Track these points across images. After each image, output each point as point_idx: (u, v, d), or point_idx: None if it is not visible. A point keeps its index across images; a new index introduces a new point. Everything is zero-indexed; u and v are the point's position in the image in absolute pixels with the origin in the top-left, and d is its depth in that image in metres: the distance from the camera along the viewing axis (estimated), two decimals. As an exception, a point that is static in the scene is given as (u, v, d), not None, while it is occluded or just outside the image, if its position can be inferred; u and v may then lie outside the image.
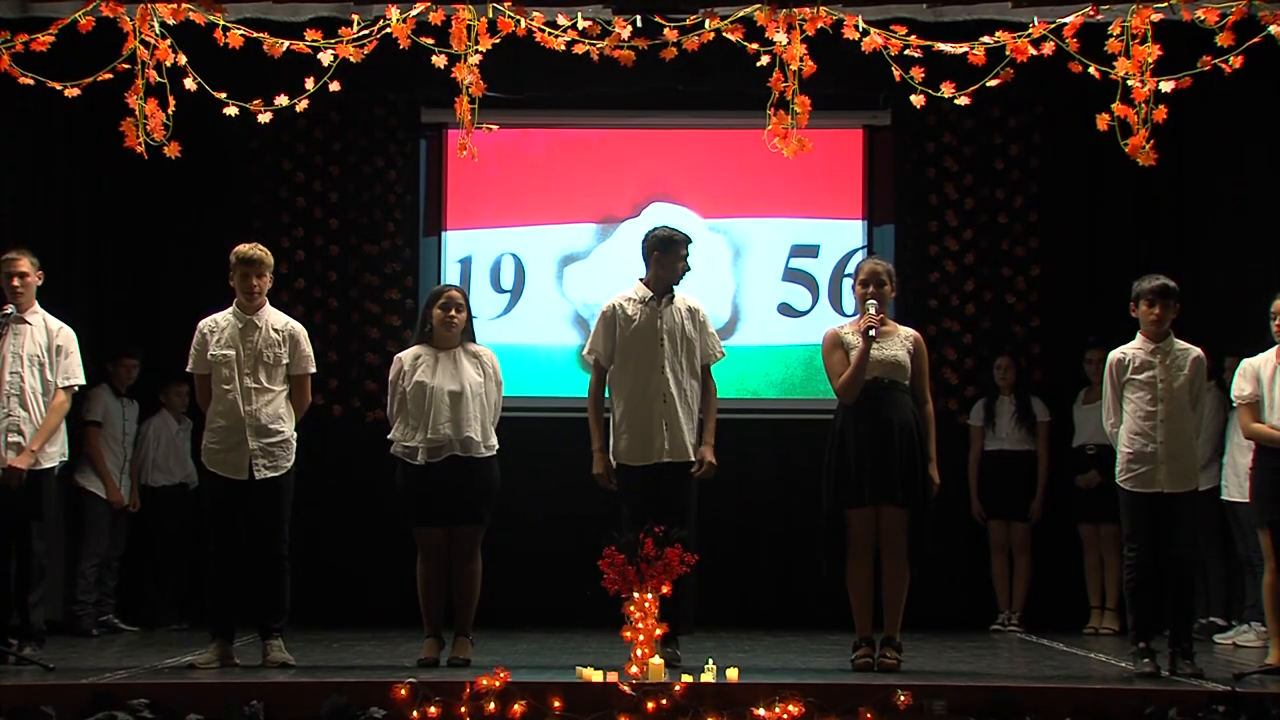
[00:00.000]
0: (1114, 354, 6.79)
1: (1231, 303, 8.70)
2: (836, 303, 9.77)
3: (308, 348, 7.02)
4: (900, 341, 6.93)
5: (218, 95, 6.56)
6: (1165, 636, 6.67)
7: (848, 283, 9.57)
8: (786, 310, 9.83)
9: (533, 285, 9.81)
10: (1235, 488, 8.06)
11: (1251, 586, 8.04)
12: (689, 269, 7.09)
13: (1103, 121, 6.24)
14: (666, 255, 7.05)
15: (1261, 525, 6.99)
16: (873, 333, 6.70)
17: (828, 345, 6.99)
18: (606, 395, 7.08)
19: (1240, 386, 7.04)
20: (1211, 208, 9.36)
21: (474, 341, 7.16)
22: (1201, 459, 7.31)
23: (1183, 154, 9.08)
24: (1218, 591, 8.67)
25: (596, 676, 5.83)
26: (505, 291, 9.81)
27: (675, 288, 7.09)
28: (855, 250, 9.77)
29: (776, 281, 9.85)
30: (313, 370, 7.06)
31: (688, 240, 7.11)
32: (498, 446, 7.07)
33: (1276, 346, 6.96)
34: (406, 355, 7.11)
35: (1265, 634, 7.44)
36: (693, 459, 6.95)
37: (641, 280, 7.11)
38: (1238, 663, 7.20)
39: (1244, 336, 7.48)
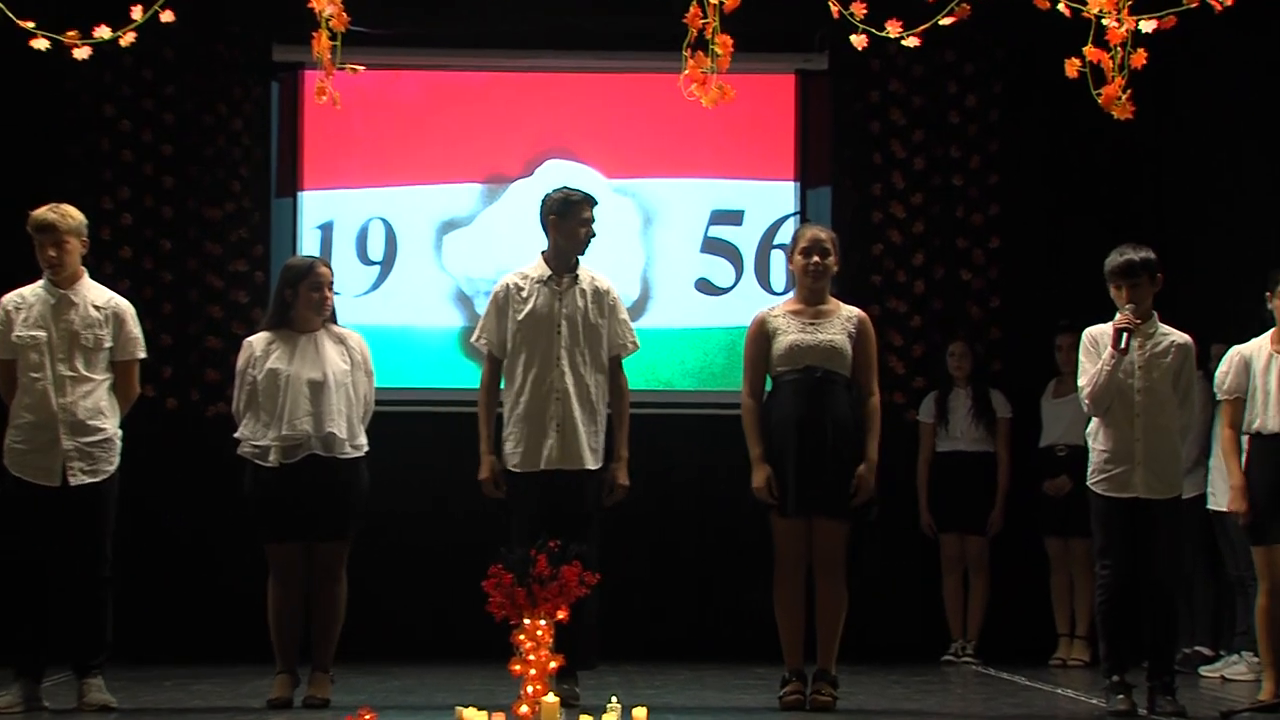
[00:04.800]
0: (1091, 330, 6.88)
1: (1223, 280, 8.84)
2: (764, 278, 9.81)
3: (135, 329, 6.95)
4: (840, 323, 6.96)
5: (23, 25, 6.43)
6: (1143, 669, 6.76)
7: (777, 255, 9.64)
8: (705, 287, 9.85)
9: (406, 256, 9.76)
10: (1224, 496, 8.15)
11: (1242, 611, 8.17)
12: (593, 234, 7.09)
13: (1072, 68, 6.28)
14: (566, 220, 7.05)
15: (1254, 540, 7.10)
16: (1125, 339, 6.67)
17: (752, 332, 7.02)
18: (503, 388, 7.08)
19: (1222, 378, 7.14)
20: (1199, 169, 9.50)
21: (337, 323, 7.13)
22: (1186, 462, 7.43)
23: (1166, 105, 9.20)
24: (1204, 616, 8.81)
25: (480, 718, 5.80)
26: (374, 263, 9.76)
27: (583, 264, 7.08)
28: (786, 217, 9.81)
29: (694, 253, 9.87)
30: (142, 356, 6.98)
31: (590, 200, 7.11)
32: (367, 447, 7.05)
33: (1272, 331, 7.08)
34: (257, 339, 7.06)
35: (1257, 665, 7.57)
36: (589, 467, 6.95)
37: (542, 254, 7.11)
38: (1226, 699, 7.32)
39: (1236, 321, 7.59)
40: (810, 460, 6.77)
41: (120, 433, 6.90)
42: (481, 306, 8.04)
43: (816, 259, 6.97)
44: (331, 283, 7.04)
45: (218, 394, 9.25)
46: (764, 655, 7.59)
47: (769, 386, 7.06)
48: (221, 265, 9.66)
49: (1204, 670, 8.50)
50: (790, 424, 6.83)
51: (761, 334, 7.00)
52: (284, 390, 6.89)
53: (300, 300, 6.99)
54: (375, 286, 9.75)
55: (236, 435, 7.01)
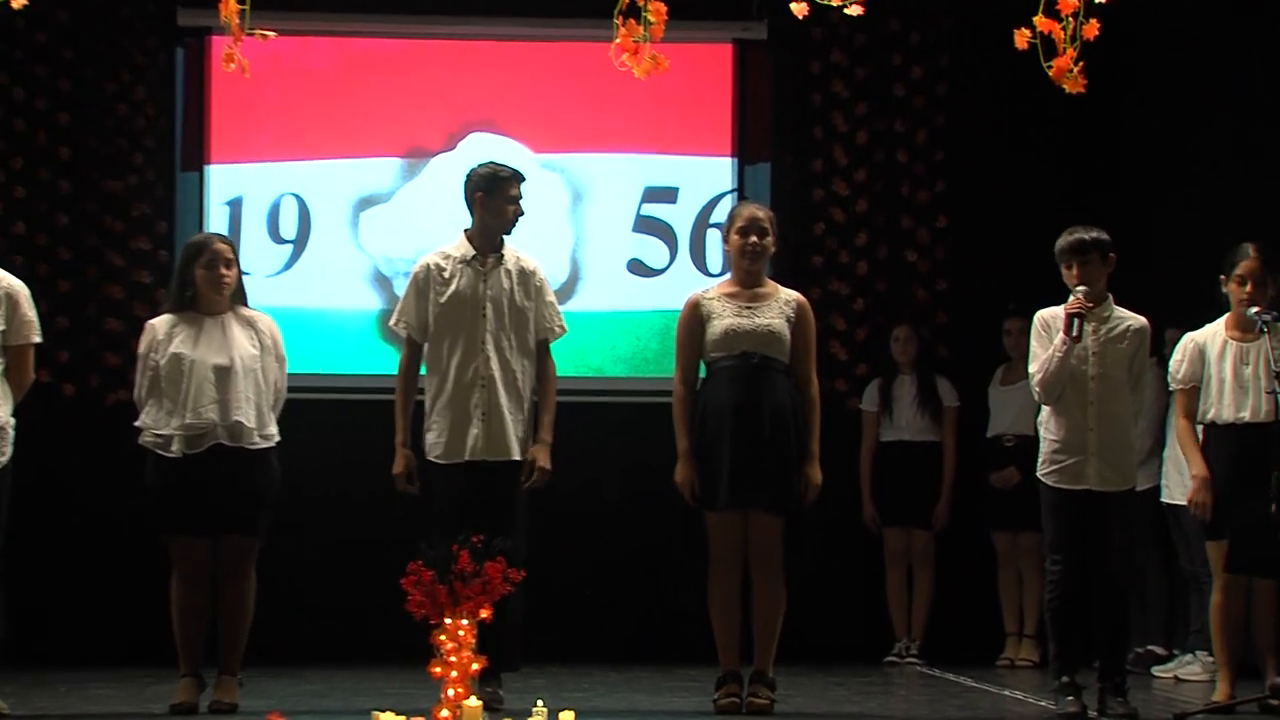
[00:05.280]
0: (1042, 313, 6.90)
1: (1178, 262, 8.91)
2: (699, 259, 9.82)
3: (30, 311, 6.88)
4: (778, 307, 6.98)
5: (-98, -17, 6.35)
6: (1094, 669, 6.81)
7: (713, 234, 9.64)
8: (638, 268, 9.85)
9: (321, 234, 9.71)
10: (1179, 488, 8.24)
11: (1197, 608, 8.25)
12: (521, 212, 7.07)
13: (1022, 39, 6.31)
14: (493, 197, 7.03)
15: (1210, 535, 7.17)
16: (1077, 324, 6.68)
17: (685, 316, 7.02)
18: (424, 374, 7.06)
19: (1177, 366, 7.20)
20: (1155, 146, 9.57)
21: (246, 305, 7.08)
22: (1140, 452, 7.49)
23: (1120, 79, 9.25)
24: (1157, 614, 8.89)
25: (398, 724, 5.79)
26: (286, 242, 9.70)
27: (508, 244, 7.07)
28: (723, 195, 9.82)
29: (626, 232, 9.87)
30: (36, 339, 6.92)
31: (518, 176, 7.09)
32: (278, 436, 7.01)
33: (1226, 316, 7.14)
34: (160, 322, 7.00)
35: (1212, 665, 7.65)
36: (517, 457, 6.95)
37: (466, 233, 7.08)
38: (1179, 700, 7.40)
39: (1193, 305, 7.65)
40: (746, 451, 6.78)
41: (13, 421, 6.82)
42: (401, 288, 7.99)
43: (754, 239, 6.97)
44: (231, 260, 6.97)
45: (118, 380, 9.17)
46: (698, 656, 7.60)
47: (703, 373, 7.06)
48: (123, 242, 9.57)
49: (1157, 670, 8.58)
50: (725, 413, 6.84)
51: (695, 318, 7.00)
52: (188, 376, 6.84)
53: (199, 279, 6.94)
54: (287, 266, 9.69)
55: (138, 424, 6.95)
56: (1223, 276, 7.10)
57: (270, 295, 9.12)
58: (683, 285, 8.89)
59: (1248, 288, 6.99)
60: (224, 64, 6.26)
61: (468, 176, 7.13)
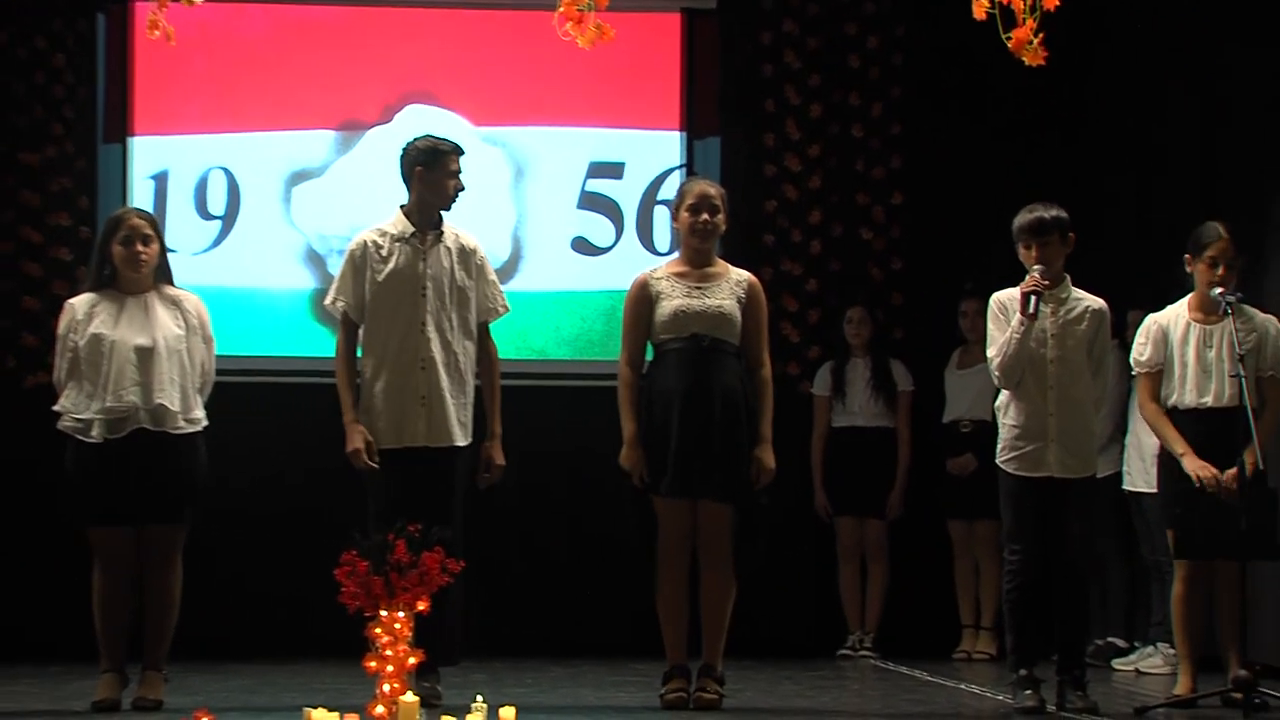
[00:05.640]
0: (998, 295, 6.92)
1: (1141, 241, 8.97)
2: (646, 237, 9.82)
3: (-57, 289, 6.83)
4: (729, 287, 6.98)
5: None
6: (1053, 662, 6.86)
7: (661, 211, 9.65)
8: (583, 246, 9.85)
9: (251, 210, 9.67)
10: (1140, 475, 8.31)
11: (1159, 599, 8.31)
12: (462, 187, 7.06)
13: (980, 8, 6.34)
14: (432, 171, 7.01)
15: (1172, 523, 7.22)
16: (1034, 303, 6.69)
17: (632, 296, 7.02)
18: (360, 356, 7.05)
19: (1140, 349, 7.23)
20: (1117, 121, 9.62)
21: (172, 284, 7.05)
22: (1100, 438, 7.53)
23: (1082, 51, 9.30)
24: (1118, 605, 8.95)
25: (331, 720, 5.79)
26: (214, 218, 9.66)
27: (448, 221, 7.05)
28: (671, 170, 9.83)
29: (570, 209, 9.86)
30: (-50, 319, 6.86)
31: (458, 150, 7.07)
32: (205, 421, 6.99)
33: (1188, 297, 7.18)
34: (80, 301, 6.97)
35: (1174, 658, 7.71)
36: (459, 442, 6.94)
37: (403, 209, 7.07)
38: (1140, 694, 7.45)
39: (1155, 286, 7.69)
40: (695, 437, 6.79)
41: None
42: (335, 266, 7.99)
43: (705, 217, 6.97)
44: (150, 236, 6.92)
45: (37, 361, 9.10)
46: (644, 650, 7.62)
47: (650, 356, 7.07)
48: (41, 217, 9.50)
49: (1117, 663, 8.64)
50: (674, 397, 6.84)
51: (643, 298, 7.00)
52: (108, 358, 6.81)
53: (117, 256, 6.90)
54: (215, 244, 9.65)
55: (57, 408, 6.91)
56: (1188, 256, 7.11)
57: (197, 274, 9.09)
58: (629, 264, 8.90)
59: (1219, 270, 7.02)
60: (148, 31, 6.22)
61: (405, 150, 7.10)
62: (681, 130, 9.90)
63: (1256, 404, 6.90)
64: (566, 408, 9.61)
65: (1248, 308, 7.07)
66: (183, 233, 9.38)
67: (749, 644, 7.94)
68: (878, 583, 9.43)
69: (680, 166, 9.82)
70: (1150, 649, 8.51)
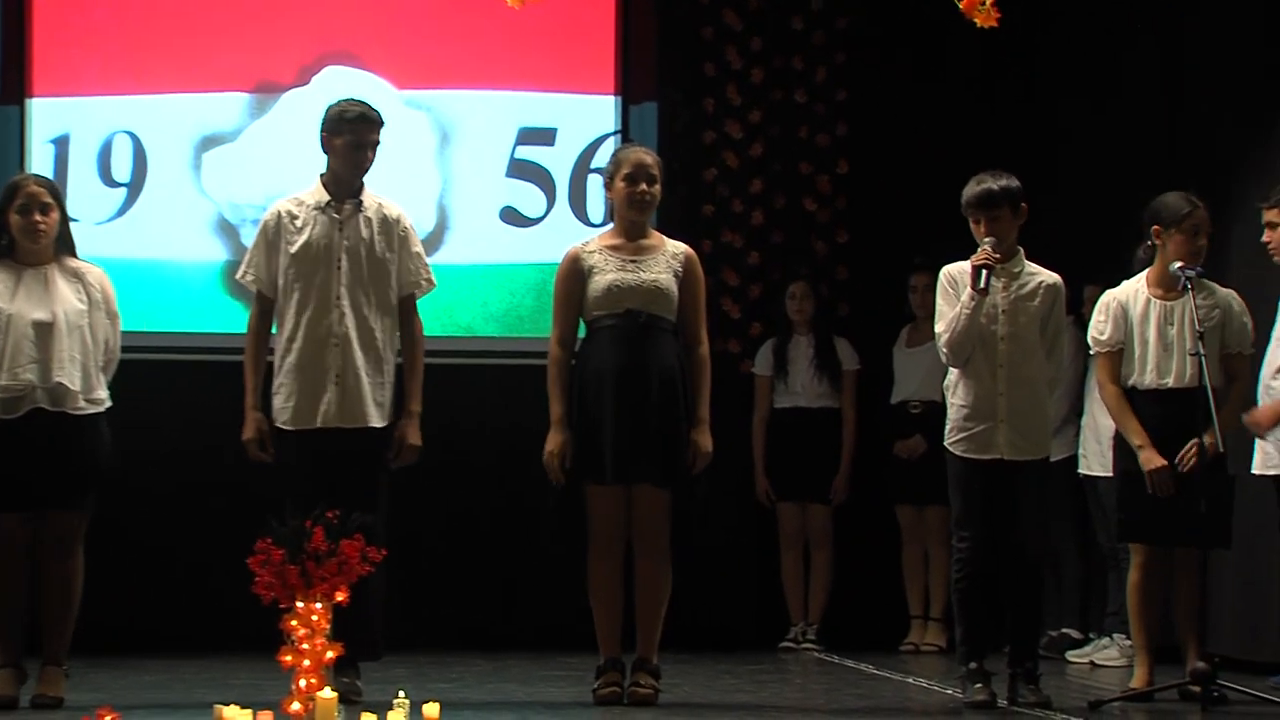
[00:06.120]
0: (948, 269, 6.94)
1: (1098, 213, 9.01)
2: (579, 208, 9.82)
3: None
4: (665, 261, 6.98)
5: None
6: (1004, 654, 6.90)
7: (595, 180, 9.64)
8: (512, 217, 9.83)
9: (158, 177, 9.60)
10: (1096, 458, 8.36)
11: (1115, 588, 8.37)
12: (373, 156, 7.02)
13: (930, -32, 6.36)
14: (345, 138, 6.97)
15: (1119, 503, 7.26)
16: (984, 277, 6.70)
17: (563, 270, 7.01)
18: (275, 333, 7.03)
19: (1099, 327, 7.27)
20: (1073, 85, 9.65)
21: (74, 255, 7.00)
22: (1055, 419, 7.57)
23: (1035, 12, 9.33)
24: (1072, 595, 9.01)
25: (243, 718, 5.76)
26: (119, 185, 9.59)
27: (369, 189, 7.03)
28: (605, 136, 9.81)
29: (499, 178, 9.84)
30: None
31: (363, 116, 7.02)
32: (109, 401, 6.95)
33: (1146, 272, 7.22)
34: (-28, 273, 6.92)
35: (1130, 649, 7.77)
36: (374, 424, 6.92)
37: (321, 177, 7.04)
38: (1095, 687, 7.51)
39: (1115, 260, 7.73)
40: (630, 419, 6.79)
41: None
42: (248, 237, 7.94)
43: (642, 187, 6.95)
44: (49, 205, 6.86)
45: (-70, 338, 9.03)
46: (576, 643, 7.63)
47: (583, 333, 7.06)
48: (-67, 186, 9.42)
49: (1071, 655, 8.71)
50: (608, 376, 6.84)
51: (574, 272, 6.99)
52: (4, 333, 6.76)
53: (13, 225, 6.84)
54: (120, 213, 9.58)
55: (-50, 387, 6.87)
56: (1157, 228, 7.13)
57: (101, 244, 9.02)
58: (561, 236, 8.89)
59: (1200, 240, 7.07)
60: (49, -15, 6.16)
61: (325, 114, 7.07)
62: (616, 94, 9.89)
63: (1221, 382, 6.95)
64: (495, 387, 9.60)
65: (1208, 282, 7.12)
66: (85, 201, 9.30)
67: (686, 636, 7.96)
68: (822, 571, 9.46)
69: (615, 133, 9.81)
70: (1106, 640, 8.57)
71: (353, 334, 6.92)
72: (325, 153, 7.06)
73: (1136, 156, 9.02)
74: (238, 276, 7.23)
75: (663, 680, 6.92)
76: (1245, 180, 8.15)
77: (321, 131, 7.06)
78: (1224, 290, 7.17)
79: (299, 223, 6.98)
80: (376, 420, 6.95)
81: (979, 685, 6.77)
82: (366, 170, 7.02)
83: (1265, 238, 7.23)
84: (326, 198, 6.99)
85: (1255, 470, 7.28)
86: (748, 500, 9.49)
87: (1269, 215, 7.21)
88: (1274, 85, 8.21)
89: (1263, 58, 8.31)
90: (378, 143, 7.03)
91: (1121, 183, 8.79)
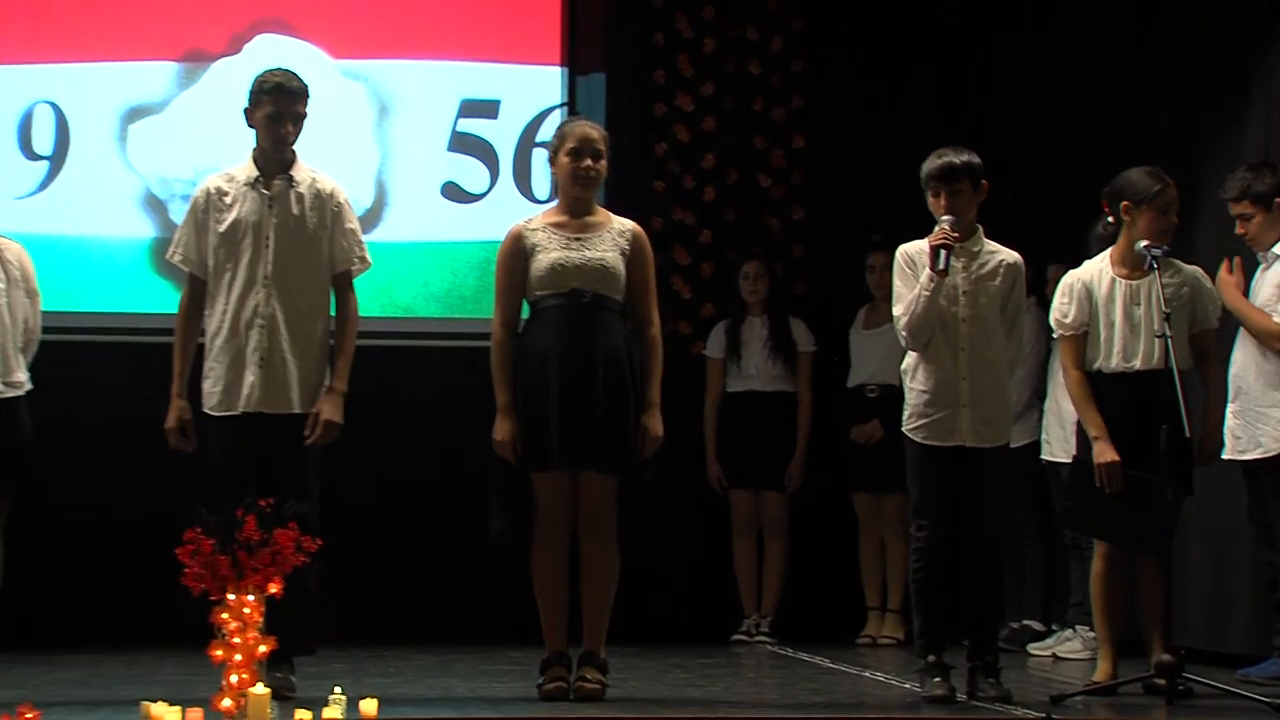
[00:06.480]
0: (905, 248, 6.94)
1: (1060, 191, 9.04)
2: (524, 183, 9.82)
3: None
4: (612, 238, 6.98)
5: None
6: (964, 647, 6.92)
7: (540, 154, 9.63)
8: (454, 192, 9.83)
9: (82, 150, 9.57)
10: (1060, 444, 8.39)
11: (1078, 579, 8.41)
12: (298, 129, 6.98)
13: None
14: (265, 110, 6.92)
15: (1067, 491, 7.30)
16: (943, 257, 6.69)
17: (506, 248, 6.99)
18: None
19: (1063, 309, 7.29)
20: (1034, 59, 9.68)
21: (-7, 231, 6.98)
22: (1016, 404, 7.60)
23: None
24: (1034, 585, 9.05)
25: (171, 715, 5.75)
26: (40, 158, 9.55)
27: (303, 162, 7.00)
28: (551, 109, 9.82)
29: (440, 152, 9.85)
30: None
31: (299, 89, 6.98)
32: (29, 385, 6.93)
33: (1109, 251, 7.24)
34: (-113, 250, 6.88)
35: (1093, 642, 7.81)
36: (299, 410, 6.87)
37: (253, 152, 7.01)
38: (1057, 680, 7.55)
39: (1078, 239, 7.76)
40: (576, 403, 6.78)
41: None
42: (178, 213, 7.93)
43: (588, 162, 6.94)
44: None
45: None
46: (520, 637, 7.63)
47: (526, 314, 7.05)
48: None
49: (1033, 648, 8.75)
50: (553, 358, 6.82)
51: (517, 251, 6.97)
52: (-80, 314, 6.74)
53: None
54: (42, 187, 9.54)
55: None
56: (1125, 204, 7.13)
57: (21, 220, 9.01)
58: (504, 213, 8.91)
59: (1171, 216, 7.09)
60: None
61: (251, 84, 7.03)
62: (562, 65, 9.89)
63: (1188, 364, 6.98)
64: (436, 370, 9.60)
65: (1174, 260, 7.14)
66: (4, 174, 9.31)
67: (635, 629, 7.96)
68: (776, 561, 9.48)
69: (561, 105, 9.81)
70: (1069, 632, 8.61)
71: (279, 315, 6.86)
72: (250, 126, 7.00)
73: (1099, 133, 9.05)
74: (167, 256, 7.18)
75: (610, 674, 6.92)
76: (1212, 160, 8.19)
77: (246, 104, 7.01)
78: (1189, 267, 7.19)
79: (228, 199, 6.93)
80: (300, 406, 6.88)
81: (938, 679, 6.78)
82: (289, 143, 6.94)
83: (1239, 229, 7.29)
84: (256, 173, 6.94)
85: (1225, 456, 7.32)
86: (699, 487, 9.49)
87: (1237, 208, 7.27)
88: (1241, 65, 8.24)
89: (1230, 36, 8.34)
90: (303, 115, 6.96)
91: (1087, 162, 8.81)
